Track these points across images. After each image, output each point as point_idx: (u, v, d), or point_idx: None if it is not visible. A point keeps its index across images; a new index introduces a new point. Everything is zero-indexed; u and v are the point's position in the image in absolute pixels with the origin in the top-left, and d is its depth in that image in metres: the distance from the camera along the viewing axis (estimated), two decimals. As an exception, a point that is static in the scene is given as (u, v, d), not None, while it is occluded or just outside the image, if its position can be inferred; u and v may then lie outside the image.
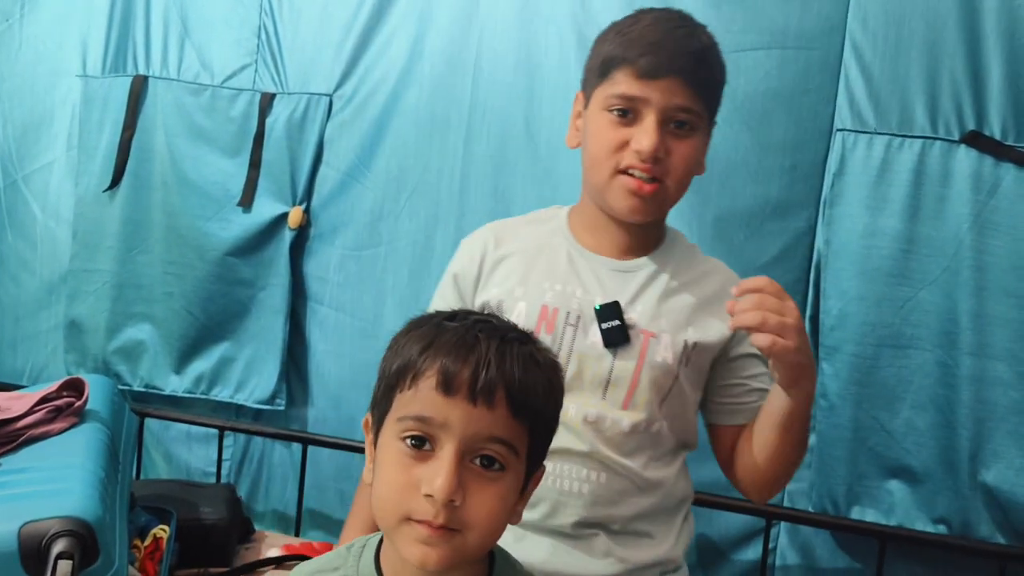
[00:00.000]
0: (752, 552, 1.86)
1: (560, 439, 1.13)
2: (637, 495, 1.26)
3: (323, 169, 2.09)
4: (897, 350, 1.75)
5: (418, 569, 0.88)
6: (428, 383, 0.86)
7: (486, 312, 1.09)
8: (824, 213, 1.78)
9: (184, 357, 2.19)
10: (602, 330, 1.22)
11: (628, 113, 1.21)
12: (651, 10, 1.28)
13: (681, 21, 1.25)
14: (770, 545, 1.84)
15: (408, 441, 0.87)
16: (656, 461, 1.28)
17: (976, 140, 1.69)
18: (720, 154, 1.82)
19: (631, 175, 1.22)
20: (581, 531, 1.25)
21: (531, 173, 1.94)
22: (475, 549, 0.86)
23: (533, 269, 1.27)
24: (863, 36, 1.74)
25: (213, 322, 2.16)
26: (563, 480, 1.24)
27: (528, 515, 1.24)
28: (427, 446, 0.86)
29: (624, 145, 1.21)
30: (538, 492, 1.17)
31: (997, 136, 1.68)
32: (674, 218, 1.82)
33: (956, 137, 1.70)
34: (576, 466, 1.24)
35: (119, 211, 2.16)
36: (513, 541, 1.18)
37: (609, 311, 1.21)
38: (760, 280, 1.11)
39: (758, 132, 1.81)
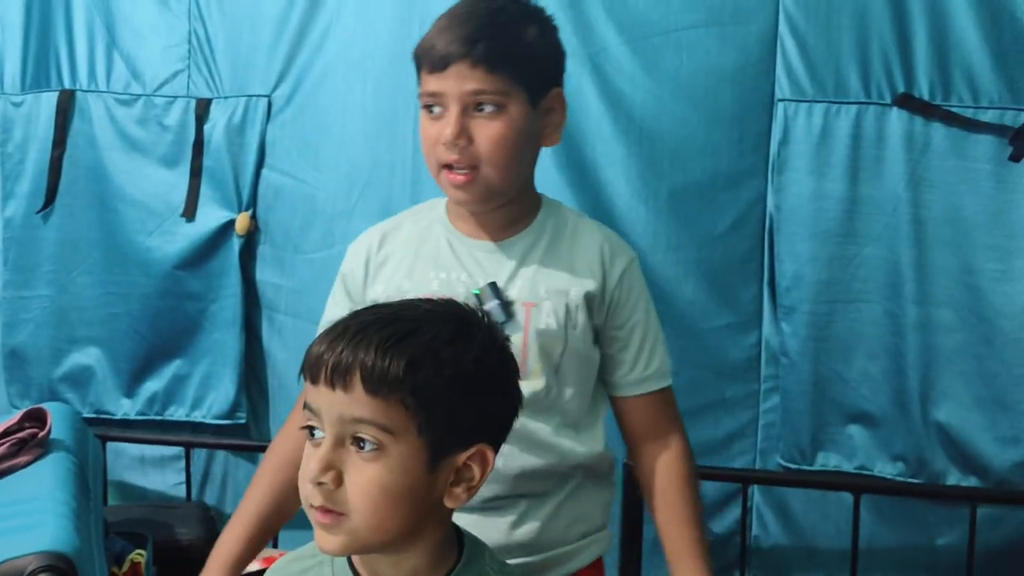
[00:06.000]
0: (730, 515, 1.95)
1: None
2: (547, 463, 1.28)
3: (266, 172, 2.06)
4: (848, 305, 1.86)
5: (323, 554, 0.93)
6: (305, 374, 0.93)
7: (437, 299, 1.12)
8: (773, 181, 1.87)
9: (135, 379, 2.13)
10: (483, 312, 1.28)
11: (436, 108, 1.24)
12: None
13: (475, 3, 1.25)
14: (747, 505, 1.93)
15: (308, 431, 0.92)
16: (567, 428, 1.30)
17: (906, 102, 1.80)
18: (669, 131, 1.90)
19: (450, 168, 1.25)
20: (492, 503, 1.26)
21: (484, 161, 1.96)
22: (368, 532, 0.88)
23: (418, 261, 1.31)
24: (795, 8, 1.82)
25: (163, 340, 2.11)
26: None
27: None
28: (316, 434, 0.91)
29: (438, 139, 1.24)
30: None
31: (925, 97, 1.79)
32: (630, 196, 1.91)
33: (888, 100, 1.81)
34: None
35: (54, 232, 2.08)
36: None
37: (488, 293, 1.26)
38: None
39: (703, 107, 1.88)
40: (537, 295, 1.27)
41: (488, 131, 1.22)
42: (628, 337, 1.32)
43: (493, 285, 1.26)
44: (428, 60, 1.23)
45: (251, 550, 1.32)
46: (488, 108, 1.22)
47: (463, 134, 1.22)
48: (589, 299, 1.29)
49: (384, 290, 1.30)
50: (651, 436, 1.33)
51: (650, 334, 1.33)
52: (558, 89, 1.30)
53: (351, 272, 1.36)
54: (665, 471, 1.31)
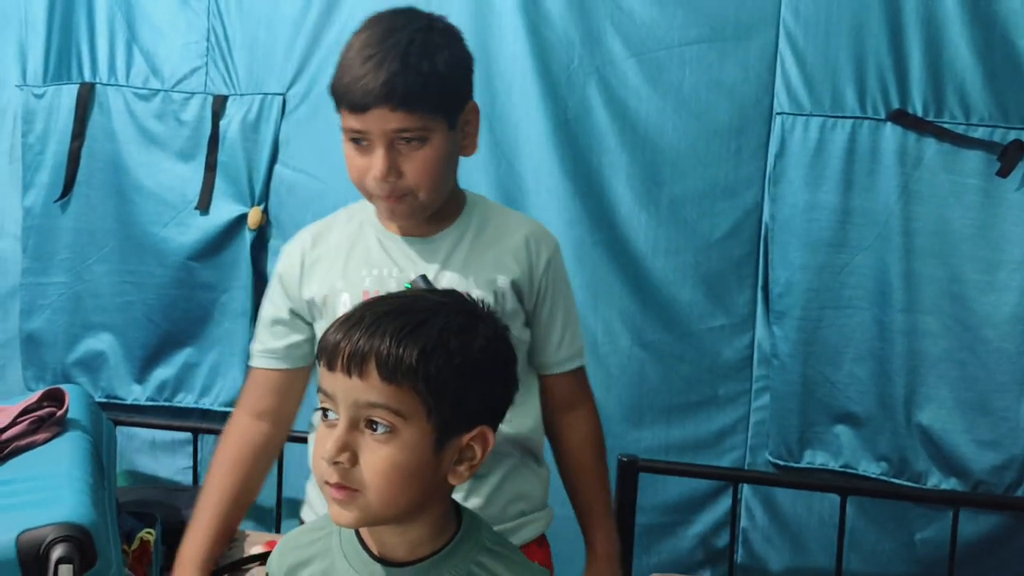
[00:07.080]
0: (720, 508, 2.02)
1: None
2: None
3: (279, 169, 2.12)
4: (838, 311, 1.94)
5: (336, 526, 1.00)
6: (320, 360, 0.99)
7: (440, 289, 1.19)
8: (768, 191, 1.95)
9: (146, 365, 2.20)
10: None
11: (362, 141, 1.28)
12: (370, 23, 1.29)
13: (384, 39, 1.26)
14: (737, 497, 2.01)
15: (322, 412, 0.99)
16: None
17: (900, 118, 1.88)
18: (671, 142, 1.97)
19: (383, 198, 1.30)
20: None
21: (492, 164, 2.03)
22: (380, 507, 0.95)
23: (350, 261, 1.35)
24: (795, 24, 1.90)
25: (175, 328, 2.18)
26: None
27: None
28: (331, 415, 0.97)
29: (368, 172, 1.28)
30: None
31: (919, 113, 1.87)
32: (632, 202, 1.98)
33: (883, 116, 1.88)
34: None
35: (72, 222, 2.15)
36: None
37: (419, 284, 1.30)
38: None
39: (704, 120, 1.95)
40: (467, 284, 1.32)
41: (415, 164, 1.27)
42: (553, 320, 1.40)
43: (424, 277, 1.31)
44: (347, 101, 1.26)
45: (217, 549, 1.38)
46: (413, 142, 1.26)
47: (391, 171, 1.26)
48: (516, 286, 1.36)
49: (319, 288, 1.36)
50: (568, 406, 1.44)
51: (571, 317, 1.43)
52: (472, 103, 1.34)
53: (287, 271, 1.40)
54: (578, 432, 1.45)
